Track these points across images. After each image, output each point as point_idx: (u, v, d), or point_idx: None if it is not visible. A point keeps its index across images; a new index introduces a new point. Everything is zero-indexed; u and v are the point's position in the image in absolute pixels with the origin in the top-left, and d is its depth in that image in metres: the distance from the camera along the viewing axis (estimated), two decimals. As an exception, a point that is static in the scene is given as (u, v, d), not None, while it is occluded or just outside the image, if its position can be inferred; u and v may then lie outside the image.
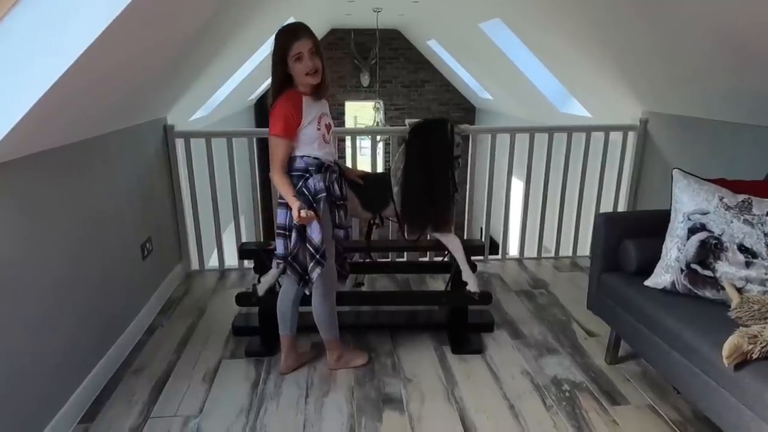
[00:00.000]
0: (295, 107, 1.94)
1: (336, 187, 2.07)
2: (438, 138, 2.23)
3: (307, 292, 2.12)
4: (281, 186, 1.97)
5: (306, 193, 1.98)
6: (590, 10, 2.80)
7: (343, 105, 9.48)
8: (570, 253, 3.63)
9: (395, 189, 2.26)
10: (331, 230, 2.08)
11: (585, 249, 3.48)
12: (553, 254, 3.63)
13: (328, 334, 2.23)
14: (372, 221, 2.36)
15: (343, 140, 3.53)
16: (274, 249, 2.13)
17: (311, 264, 2.01)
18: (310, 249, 2.00)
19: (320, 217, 1.98)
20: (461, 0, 4.61)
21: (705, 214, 1.87)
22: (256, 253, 2.48)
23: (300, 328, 2.25)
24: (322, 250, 1.98)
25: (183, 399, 2.10)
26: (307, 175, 2.00)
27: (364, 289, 3.07)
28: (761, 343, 1.49)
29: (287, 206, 1.99)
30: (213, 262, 3.55)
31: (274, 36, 1.94)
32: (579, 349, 2.45)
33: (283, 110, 1.94)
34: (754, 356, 1.48)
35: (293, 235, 2.01)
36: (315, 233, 1.97)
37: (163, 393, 2.13)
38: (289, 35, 1.90)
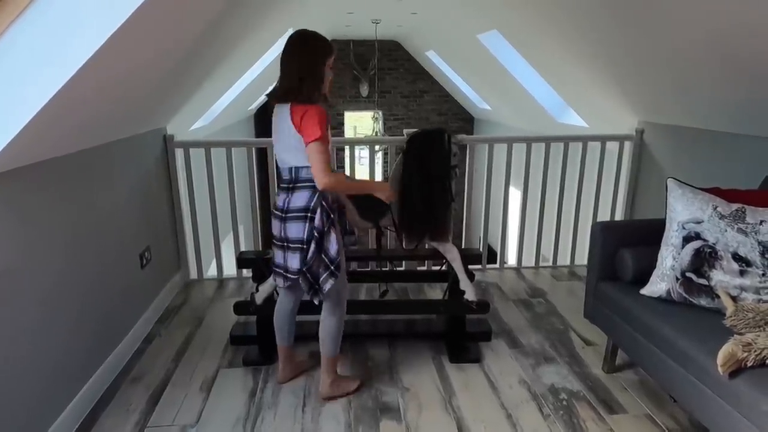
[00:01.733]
0: (327, 119, 1.91)
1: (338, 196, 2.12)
2: (435, 148, 2.26)
3: (316, 302, 2.03)
4: (352, 183, 1.98)
5: (324, 204, 1.92)
6: (585, 23, 2.84)
7: (343, 115, 9.54)
8: (568, 262, 3.64)
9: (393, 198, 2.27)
10: (342, 239, 2.09)
11: (583, 258, 3.49)
12: (551, 263, 3.64)
13: (330, 351, 2.10)
14: (379, 230, 2.37)
15: (342, 150, 3.56)
16: (272, 258, 2.07)
17: (325, 275, 1.94)
18: (326, 260, 1.94)
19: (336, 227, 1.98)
20: (459, 12, 4.66)
21: (699, 222, 1.88)
22: (255, 262, 2.49)
23: (298, 337, 2.25)
24: (337, 261, 1.95)
25: (180, 408, 2.09)
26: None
27: (362, 298, 3.08)
28: (755, 350, 1.50)
29: (304, 219, 1.90)
30: (212, 271, 3.55)
31: (310, 38, 1.90)
32: (576, 357, 2.45)
33: (323, 118, 1.86)
34: (749, 364, 1.49)
35: (312, 247, 1.92)
36: (333, 245, 1.94)
37: (160, 402, 2.13)
38: (329, 46, 1.93)
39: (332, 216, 1.94)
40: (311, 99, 1.87)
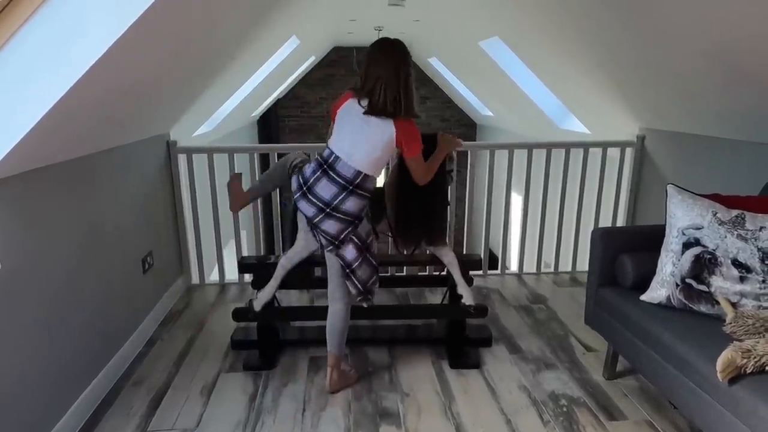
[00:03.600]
0: None
1: None
2: (430, 152, 2.26)
3: (365, 305, 2.16)
4: (434, 166, 2.13)
5: (369, 215, 2.08)
6: (586, 29, 2.86)
7: (346, 121, 9.55)
8: (569, 269, 3.63)
9: (389, 203, 2.28)
10: None
11: (584, 264, 3.47)
12: (552, 269, 3.64)
13: (340, 349, 2.21)
14: (376, 235, 2.38)
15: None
16: (273, 262, 2.15)
17: (375, 277, 2.11)
18: (374, 263, 2.09)
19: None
20: (461, 19, 4.69)
21: (699, 229, 1.89)
22: (256, 267, 2.50)
23: (298, 342, 2.25)
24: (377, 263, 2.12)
25: (181, 412, 2.10)
26: (370, 198, 2.06)
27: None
28: (755, 357, 1.49)
29: (349, 224, 2.01)
30: (213, 276, 3.57)
31: (405, 48, 2.00)
32: (577, 364, 2.45)
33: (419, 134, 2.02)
34: (748, 371, 1.49)
35: (354, 253, 2.04)
36: (375, 248, 2.09)
37: (161, 406, 2.14)
38: None
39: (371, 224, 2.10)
40: (412, 113, 1.97)
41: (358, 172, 1.97)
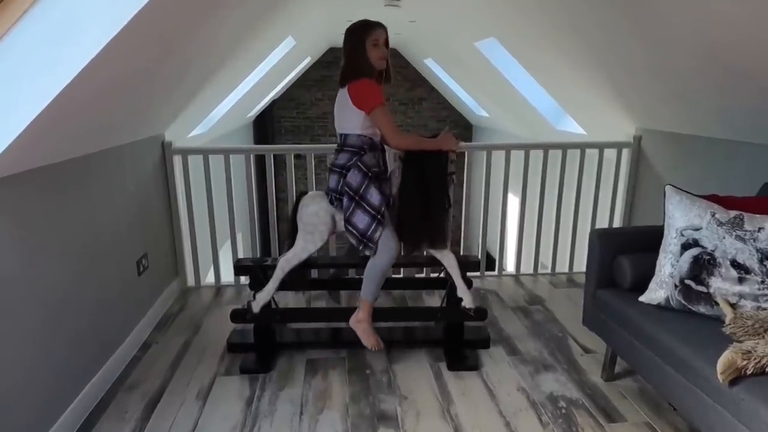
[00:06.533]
0: (378, 87, 2.19)
1: (381, 162, 2.29)
2: (432, 154, 2.26)
3: (368, 254, 2.22)
4: (422, 141, 2.24)
5: (360, 165, 2.18)
6: (583, 30, 2.86)
7: (342, 122, 9.53)
8: (566, 269, 3.63)
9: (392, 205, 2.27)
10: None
11: (581, 265, 3.46)
12: (549, 270, 3.64)
13: (365, 293, 2.29)
14: None
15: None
16: (270, 264, 2.15)
17: (373, 225, 2.17)
18: (371, 211, 2.17)
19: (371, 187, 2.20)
20: (457, 20, 4.68)
21: (698, 229, 1.88)
22: (252, 270, 2.48)
23: (294, 345, 2.23)
24: (382, 211, 2.19)
25: (176, 416, 2.08)
26: (362, 152, 2.20)
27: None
28: (755, 358, 1.49)
29: (340, 174, 2.21)
30: (209, 278, 3.54)
31: (349, 28, 2.22)
32: (575, 365, 2.44)
33: (374, 86, 2.16)
34: (749, 372, 1.48)
35: (344, 201, 2.20)
36: (373, 196, 2.18)
37: (156, 410, 2.12)
38: (368, 25, 2.20)
39: (369, 174, 2.18)
40: (358, 76, 2.15)
41: (341, 135, 2.26)
